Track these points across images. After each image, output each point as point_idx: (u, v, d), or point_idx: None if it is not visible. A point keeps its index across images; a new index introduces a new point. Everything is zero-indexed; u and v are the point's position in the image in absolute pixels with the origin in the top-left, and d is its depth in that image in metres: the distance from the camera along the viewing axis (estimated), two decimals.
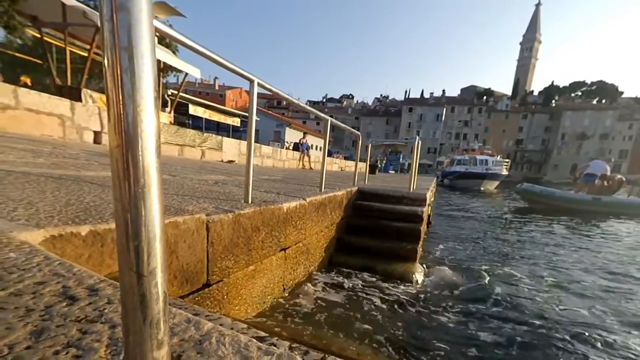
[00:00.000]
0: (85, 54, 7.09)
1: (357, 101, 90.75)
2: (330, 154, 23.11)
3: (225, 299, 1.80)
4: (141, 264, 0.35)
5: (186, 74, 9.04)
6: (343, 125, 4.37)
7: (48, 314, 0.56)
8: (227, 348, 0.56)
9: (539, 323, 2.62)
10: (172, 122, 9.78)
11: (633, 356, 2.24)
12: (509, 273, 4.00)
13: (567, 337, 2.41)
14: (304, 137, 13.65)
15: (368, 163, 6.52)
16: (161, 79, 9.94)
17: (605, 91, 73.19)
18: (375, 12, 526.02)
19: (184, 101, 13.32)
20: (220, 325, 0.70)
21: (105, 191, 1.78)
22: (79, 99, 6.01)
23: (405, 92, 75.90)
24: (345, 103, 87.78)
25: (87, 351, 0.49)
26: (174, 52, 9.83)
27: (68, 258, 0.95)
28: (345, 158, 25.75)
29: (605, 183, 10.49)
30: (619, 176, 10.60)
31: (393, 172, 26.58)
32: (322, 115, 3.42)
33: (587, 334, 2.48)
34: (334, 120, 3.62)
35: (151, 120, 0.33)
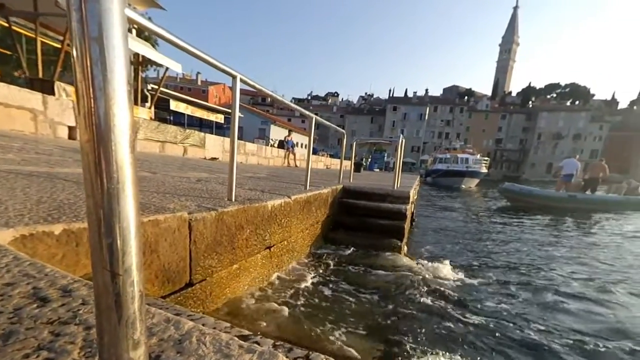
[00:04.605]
0: (58, 45, 6.76)
1: (342, 99, 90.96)
2: (315, 152, 23.13)
3: (209, 298, 1.78)
4: (115, 262, 0.33)
5: (167, 68, 8.78)
6: (328, 123, 4.38)
7: (17, 317, 0.54)
8: (208, 347, 0.55)
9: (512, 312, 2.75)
10: (153, 117, 9.50)
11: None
12: (487, 264, 4.17)
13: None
14: (289, 135, 13.59)
15: (353, 161, 6.56)
16: (140, 73, 9.58)
17: (578, 93, 76.87)
18: (360, 11, 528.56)
19: (164, 96, 12.89)
20: (203, 324, 0.69)
21: (81, 189, 1.71)
22: (52, 93, 5.73)
23: (390, 90, 76.88)
24: (330, 101, 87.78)
25: (60, 353, 0.47)
26: (153, 46, 9.50)
27: (40, 258, 0.91)
28: (331, 156, 25.82)
29: (582, 179, 11.11)
30: (601, 174, 11.01)
31: (378, 170, 26.89)
32: (307, 112, 3.41)
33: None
34: (318, 118, 3.62)
35: (124, 114, 0.32)
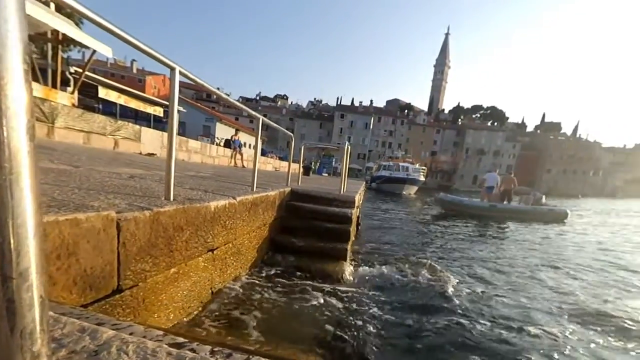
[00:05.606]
0: None
1: (292, 102, 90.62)
2: (264, 154, 22.72)
3: (142, 305, 1.61)
4: (7, 264, 0.28)
5: (94, 51, 7.79)
6: (275, 125, 4.36)
7: None
8: (131, 356, 0.50)
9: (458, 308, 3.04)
10: (76, 104, 8.32)
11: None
12: (428, 265, 4.56)
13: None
14: (236, 134, 13.15)
15: (301, 164, 6.61)
16: (60, 52, 8.34)
17: (496, 115, 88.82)
18: (310, 16, 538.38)
19: (92, 82, 11.36)
20: (130, 333, 0.62)
21: None
22: None
23: (338, 98, 79.13)
24: (279, 103, 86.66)
25: None
26: (77, 24, 8.32)
27: None
28: (280, 158, 25.60)
29: (499, 191, 13.03)
30: (512, 186, 13.23)
31: (326, 174, 27.47)
32: (254, 113, 3.35)
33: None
34: (266, 119, 3.57)
35: (20, 96, 0.28)
